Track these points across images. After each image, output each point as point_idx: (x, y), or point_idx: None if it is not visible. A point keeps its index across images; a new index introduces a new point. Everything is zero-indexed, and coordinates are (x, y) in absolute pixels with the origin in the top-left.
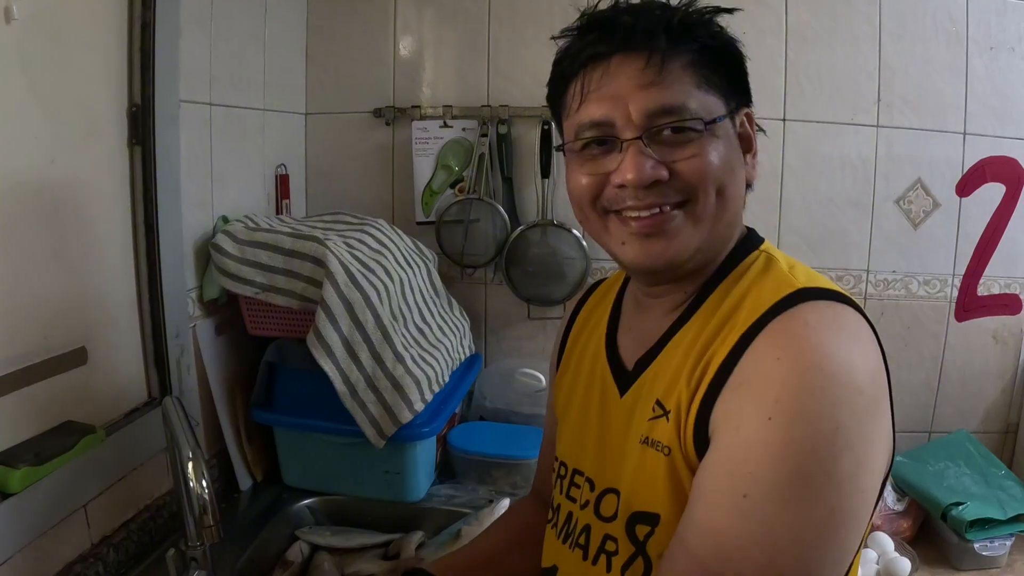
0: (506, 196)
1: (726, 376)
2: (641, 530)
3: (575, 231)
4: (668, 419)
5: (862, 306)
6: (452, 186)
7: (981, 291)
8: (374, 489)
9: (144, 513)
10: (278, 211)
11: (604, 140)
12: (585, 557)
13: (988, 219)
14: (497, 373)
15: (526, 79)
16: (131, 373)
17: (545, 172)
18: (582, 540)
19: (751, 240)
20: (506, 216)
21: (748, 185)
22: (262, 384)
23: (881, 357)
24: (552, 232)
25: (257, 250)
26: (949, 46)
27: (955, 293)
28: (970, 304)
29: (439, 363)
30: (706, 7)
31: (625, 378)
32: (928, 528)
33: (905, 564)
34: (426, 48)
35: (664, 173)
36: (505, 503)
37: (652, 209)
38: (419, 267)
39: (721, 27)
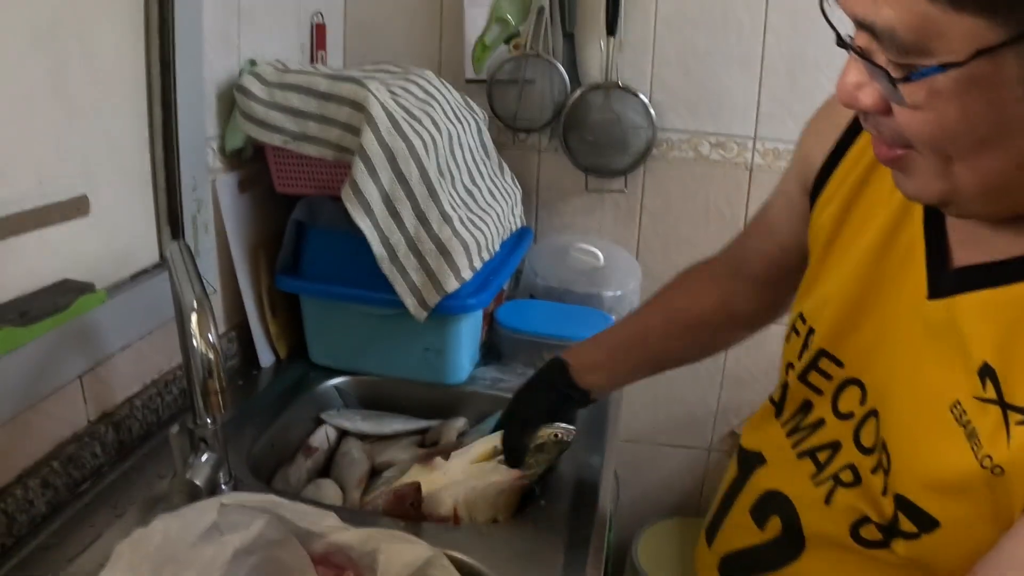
0: (566, 54)
1: None
2: (902, 520)
3: (642, 96)
4: (1010, 424)
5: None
6: (507, 41)
7: None
8: (411, 369)
9: (151, 388)
10: (313, 63)
11: None
12: (816, 474)
13: None
14: (550, 248)
15: None
16: (140, 230)
17: (611, 29)
18: (822, 457)
19: None
20: (566, 76)
21: None
22: (289, 247)
23: None
24: (616, 96)
25: (288, 93)
26: None
27: None
28: None
29: (489, 229)
30: None
31: (943, 279)
32: None
33: None
34: None
35: None
36: None
37: None
38: (469, 123)
39: None
